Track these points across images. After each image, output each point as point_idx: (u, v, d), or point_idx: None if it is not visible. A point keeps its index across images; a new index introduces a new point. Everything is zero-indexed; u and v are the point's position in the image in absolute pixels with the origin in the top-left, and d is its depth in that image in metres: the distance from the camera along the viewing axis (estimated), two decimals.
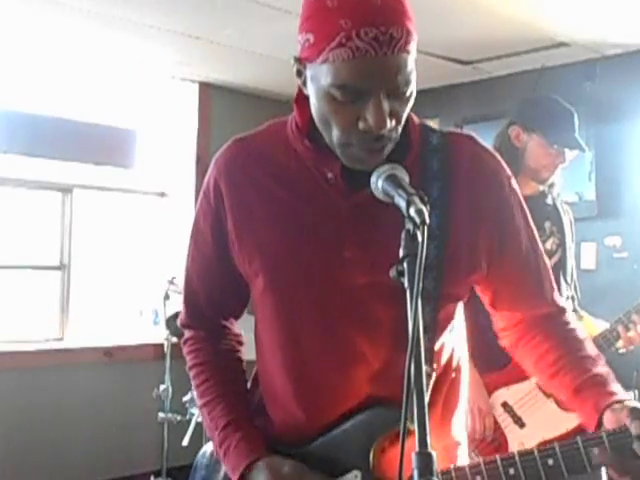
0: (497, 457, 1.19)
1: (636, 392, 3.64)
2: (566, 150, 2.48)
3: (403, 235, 1.06)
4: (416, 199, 1.07)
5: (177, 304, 3.91)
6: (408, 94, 1.19)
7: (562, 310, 1.45)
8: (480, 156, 1.38)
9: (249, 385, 1.46)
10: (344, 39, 1.08)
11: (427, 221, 1.05)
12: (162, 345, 3.91)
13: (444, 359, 1.34)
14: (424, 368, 1.00)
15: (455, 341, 1.39)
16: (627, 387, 3.64)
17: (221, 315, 1.48)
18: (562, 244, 2.55)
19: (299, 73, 1.22)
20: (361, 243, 1.27)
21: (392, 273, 1.05)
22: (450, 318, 1.35)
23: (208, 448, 1.48)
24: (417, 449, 0.95)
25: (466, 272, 1.31)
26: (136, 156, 4.81)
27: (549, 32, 3.81)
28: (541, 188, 2.52)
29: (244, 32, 3.91)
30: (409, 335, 0.99)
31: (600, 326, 2.58)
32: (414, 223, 1.04)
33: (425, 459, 0.94)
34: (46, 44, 4.25)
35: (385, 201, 1.14)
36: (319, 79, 1.15)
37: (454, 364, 1.39)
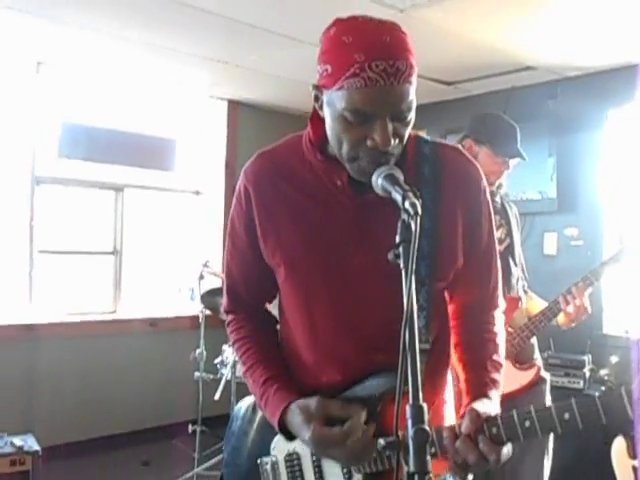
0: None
1: (590, 356, 3.61)
2: (509, 160, 2.48)
3: (399, 224, 1.06)
4: (410, 194, 1.08)
5: (210, 283, 3.96)
6: (409, 119, 1.19)
7: (496, 306, 1.45)
8: (465, 166, 1.37)
9: None
10: (358, 70, 1.09)
11: (419, 212, 1.04)
12: (197, 317, 3.91)
13: (437, 333, 1.33)
14: (417, 335, 1.01)
15: (445, 318, 1.39)
16: (582, 353, 3.62)
17: (258, 299, 1.47)
18: (509, 233, 2.54)
19: (316, 98, 1.23)
20: (364, 238, 1.27)
21: (390, 256, 1.06)
22: (442, 299, 1.37)
23: (244, 403, 1.49)
24: (410, 403, 0.96)
25: (453, 262, 1.32)
26: (175, 161, 4.82)
27: (518, 58, 3.77)
28: (491, 189, 2.51)
29: (265, 58, 3.89)
30: (404, 307, 1.00)
31: (544, 303, 2.57)
32: (408, 214, 1.04)
33: (417, 410, 0.95)
34: (104, 68, 4.23)
35: (384, 196, 1.14)
36: (334, 103, 1.15)
37: (444, 337, 1.38)
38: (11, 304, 4.14)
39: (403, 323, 0.99)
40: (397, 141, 1.18)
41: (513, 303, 2.45)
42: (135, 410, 4.40)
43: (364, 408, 1.24)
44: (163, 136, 4.76)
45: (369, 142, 1.15)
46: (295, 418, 1.24)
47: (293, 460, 1.34)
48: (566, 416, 1.14)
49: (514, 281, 2.51)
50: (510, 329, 2.41)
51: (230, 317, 1.47)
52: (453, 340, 1.42)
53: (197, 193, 5.12)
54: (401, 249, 1.03)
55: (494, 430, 1.13)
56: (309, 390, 1.31)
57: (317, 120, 1.27)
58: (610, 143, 3.95)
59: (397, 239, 1.04)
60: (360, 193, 1.25)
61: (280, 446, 1.35)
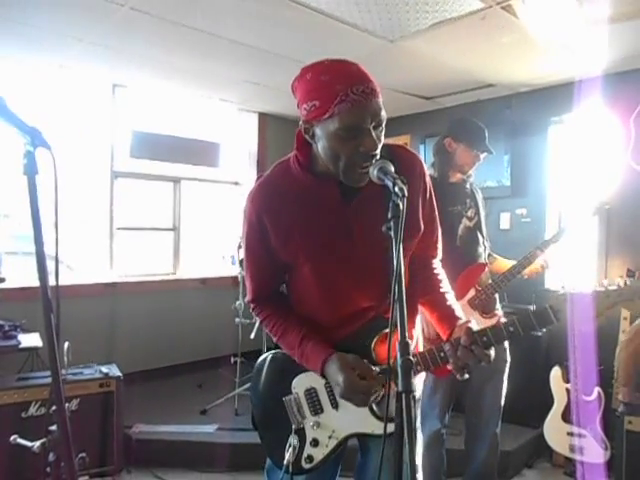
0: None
1: (534, 306, 3.60)
2: (480, 154, 2.46)
3: (390, 204, 1.05)
4: (399, 181, 1.07)
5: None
6: (383, 124, 1.21)
7: (435, 255, 1.49)
8: (410, 157, 1.39)
9: None
10: (343, 97, 1.11)
11: (406, 194, 1.03)
12: (237, 277, 3.92)
13: (407, 283, 1.36)
14: (404, 290, 1.01)
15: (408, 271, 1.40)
16: (528, 303, 3.60)
17: (272, 288, 1.46)
18: (477, 212, 2.52)
19: (306, 130, 1.23)
20: (359, 230, 1.29)
21: (383, 229, 1.05)
22: (407, 260, 1.39)
23: (260, 360, 1.48)
24: (399, 340, 0.97)
25: (418, 229, 1.37)
26: (220, 159, 4.78)
27: (482, 77, 3.70)
28: (464, 177, 2.49)
29: (287, 79, 3.82)
30: (394, 267, 1.00)
31: (508, 263, 2.55)
32: (397, 196, 1.04)
33: (404, 345, 0.97)
34: (164, 89, 4.21)
35: (378, 183, 1.14)
36: (328, 128, 1.15)
37: (412, 286, 1.39)
38: (97, 268, 4.18)
39: (393, 279, 0.99)
40: (379, 144, 1.20)
41: (481, 267, 2.44)
42: (191, 346, 4.45)
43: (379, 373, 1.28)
44: (210, 140, 4.72)
45: (362, 149, 1.15)
46: (333, 365, 1.26)
47: (312, 393, 1.36)
48: (511, 329, 1.24)
49: (481, 250, 2.50)
50: (478, 287, 2.40)
51: (253, 305, 1.46)
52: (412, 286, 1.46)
53: (236, 184, 5.10)
54: (392, 223, 1.03)
55: (485, 339, 1.22)
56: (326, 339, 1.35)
57: (303, 146, 1.28)
58: (552, 144, 3.88)
59: (389, 215, 1.04)
60: (348, 199, 1.27)
61: (299, 384, 1.36)
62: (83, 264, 4.17)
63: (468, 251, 2.42)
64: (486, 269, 2.46)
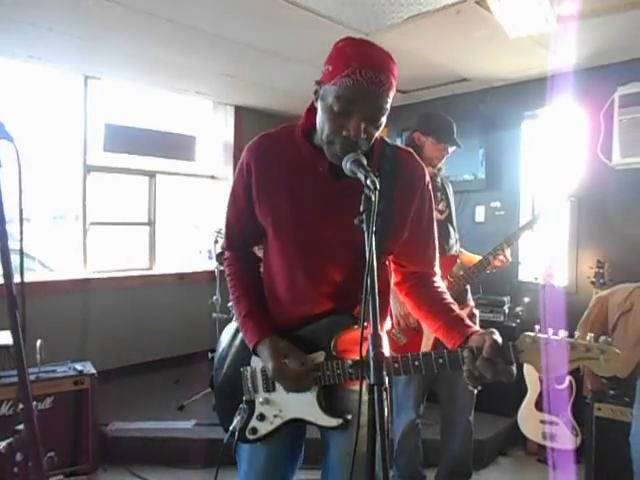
0: (410, 354, 1.19)
1: (508, 297, 3.66)
2: (448, 147, 2.48)
3: (363, 197, 1.05)
4: (371, 174, 1.07)
5: (222, 246, 3.94)
6: (379, 123, 1.19)
7: (434, 274, 1.43)
8: (414, 165, 1.36)
9: None
10: (350, 72, 1.12)
11: (378, 187, 1.03)
12: (213, 271, 3.91)
13: (380, 288, 1.34)
14: (376, 282, 1.00)
15: (385, 278, 1.38)
16: (503, 294, 3.66)
17: (247, 243, 1.47)
18: (448, 205, 2.54)
19: (315, 91, 1.22)
20: (335, 213, 1.26)
21: (356, 222, 1.05)
22: (385, 264, 1.37)
23: (232, 325, 1.50)
24: (371, 332, 0.96)
25: (399, 237, 1.32)
26: (196, 153, 4.72)
27: (457, 72, 3.73)
28: (434, 171, 2.51)
29: (263, 73, 3.81)
30: (366, 260, 1.00)
31: (474, 257, 2.58)
32: (369, 189, 1.03)
33: (376, 338, 0.96)
34: (138, 81, 4.14)
35: (351, 176, 1.13)
36: (327, 96, 1.17)
37: (385, 292, 1.37)
38: (71, 264, 4.10)
39: (365, 272, 0.99)
40: (365, 137, 1.17)
41: (452, 259, 2.47)
42: (168, 342, 4.40)
43: (309, 359, 1.28)
44: (185, 133, 4.66)
45: (344, 132, 1.15)
46: (265, 349, 1.29)
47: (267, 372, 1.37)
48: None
49: (452, 242, 2.52)
50: (450, 279, 2.42)
51: (227, 254, 1.48)
52: (413, 301, 1.41)
53: (212, 177, 5.05)
54: (364, 216, 1.03)
55: (507, 354, 1.12)
56: (283, 321, 1.34)
57: (311, 113, 1.26)
58: (526, 138, 3.93)
59: (361, 208, 1.04)
60: (336, 179, 1.23)
61: (258, 361, 1.37)
62: (56, 260, 4.08)
63: (440, 244, 2.44)
64: (458, 261, 2.49)
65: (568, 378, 3.01)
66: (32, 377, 2.66)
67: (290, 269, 1.32)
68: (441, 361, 1.16)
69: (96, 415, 2.85)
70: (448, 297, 1.36)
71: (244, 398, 1.38)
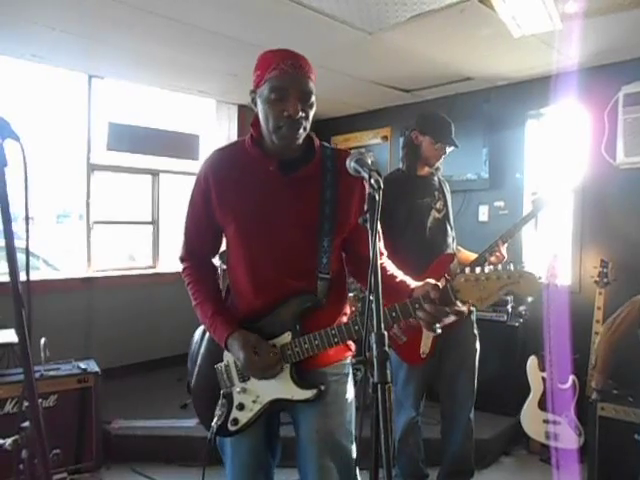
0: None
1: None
2: (446, 147, 2.48)
3: (366, 196, 1.06)
4: (374, 173, 1.07)
5: (225, 245, 3.94)
6: (311, 101, 1.35)
7: (382, 254, 1.52)
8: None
9: (224, 292, 1.56)
10: (275, 65, 1.32)
11: (382, 186, 1.04)
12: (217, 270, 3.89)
13: (336, 268, 1.46)
14: (379, 279, 1.01)
15: (340, 259, 1.52)
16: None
17: (205, 251, 1.55)
18: (446, 204, 2.55)
19: (252, 99, 1.40)
20: (289, 204, 1.39)
21: (360, 220, 1.07)
22: (339, 247, 1.48)
23: (198, 330, 1.61)
24: (375, 331, 0.97)
25: (347, 220, 1.42)
26: (199, 152, 4.72)
27: (461, 71, 3.72)
28: (431, 171, 2.52)
29: None
30: (370, 258, 1.00)
31: (472, 255, 2.59)
32: (373, 188, 1.04)
33: (380, 337, 0.98)
34: (141, 80, 4.15)
35: (355, 175, 1.16)
36: (263, 92, 1.33)
37: (341, 272, 1.52)
38: (74, 262, 4.12)
39: (369, 270, 0.99)
40: (304, 115, 1.32)
41: (450, 257, 2.47)
42: (170, 340, 4.37)
43: (277, 344, 1.39)
44: (189, 132, 4.67)
45: (285, 113, 1.30)
46: (235, 343, 1.38)
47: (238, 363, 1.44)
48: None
49: (450, 240, 2.53)
50: (448, 277, 2.42)
51: (185, 264, 1.55)
52: (361, 282, 1.59)
53: None
54: (368, 215, 1.04)
55: (449, 295, 1.27)
56: (248, 310, 1.45)
57: (255, 125, 1.42)
58: (529, 137, 3.92)
59: (365, 207, 1.05)
60: (286, 174, 1.38)
61: (230, 355, 1.45)
62: (60, 259, 4.10)
63: (437, 242, 2.45)
64: (455, 259, 2.49)
65: (571, 377, 3.01)
66: (36, 375, 2.67)
67: (252, 260, 1.42)
68: (394, 314, 1.29)
69: (100, 413, 2.87)
70: (392, 270, 1.48)
71: (222, 392, 1.45)
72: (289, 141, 1.34)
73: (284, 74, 1.30)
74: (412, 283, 1.40)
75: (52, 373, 2.78)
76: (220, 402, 1.43)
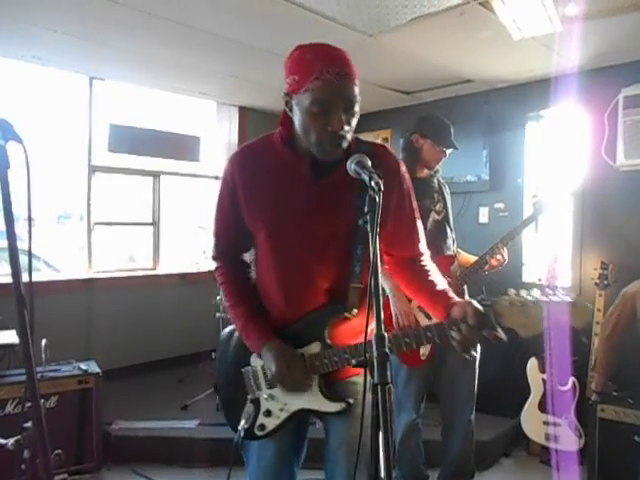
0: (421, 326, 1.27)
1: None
2: (446, 150, 2.48)
3: (367, 198, 1.06)
4: (375, 175, 1.08)
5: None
6: (355, 110, 1.25)
7: (422, 254, 1.46)
8: (389, 159, 1.39)
9: None
10: (318, 74, 1.18)
11: (382, 189, 1.04)
12: None
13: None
14: (380, 282, 1.02)
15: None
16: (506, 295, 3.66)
17: (236, 251, 1.51)
18: (445, 206, 2.55)
19: (287, 103, 1.28)
20: (320, 211, 1.31)
21: (360, 222, 1.07)
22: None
23: (226, 330, 1.56)
24: (375, 333, 0.98)
25: (384, 225, 1.31)
26: (200, 153, 4.74)
27: (461, 73, 3.73)
28: (431, 173, 2.52)
29: (267, 73, 3.82)
30: (370, 260, 1.01)
31: (471, 257, 2.60)
32: (374, 190, 1.04)
33: (380, 338, 0.98)
34: (142, 81, 4.16)
35: (355, 177, 1.15)
36: (303, 102, 1.21)
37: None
38: (75, 263, 4.12)
39: (370, 272, 1.00)
40: (348, 127, 1.23)
41: (449, 259, 2.48)
42: (172, 341, 4.42)
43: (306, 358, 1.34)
44: (190, 134, 4.68)
45: (329, 128, 1.20)
46: (268, 353, 1.34)
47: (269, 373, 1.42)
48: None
49: (450, 242, 2.54)
50: (448, 279, 2.43)
51: (217, 264, 1.51)
52: (403, 281, 1.47)
53: (216, 178, 5.06)
54: (368, 217, 1.04)
55: (490, 320, 1.17)
56: (277, 317, 1.40)
57: (286, 121, 1.32)
58: (529, 139, 3.93)
59: (365, 209, 1.05)
60: (318, 178, 1.29)
61: (258, 359, 1.42)
62: (61, 260, 4.10)
63: (437, 244, 2.46)
64: (455, 261, 2.50)
65: (571, 379, 3.01)
66: (37, 376, 2.67)
67: (282, 270, 1.36)
68: (429, 334, 1.23)
69: (100, 414, 2.87)
70: (433, 275, 1.42)
71: (249, 397, 1.42)
72: (331, 157, 1.26)
73: (329, 85, 1.18)
74: (452, 296, 1.31)
75: (53, 374, 2.78)
76: (247, 406, 1.41)
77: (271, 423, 1.39)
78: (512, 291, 1.19)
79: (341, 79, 1.19)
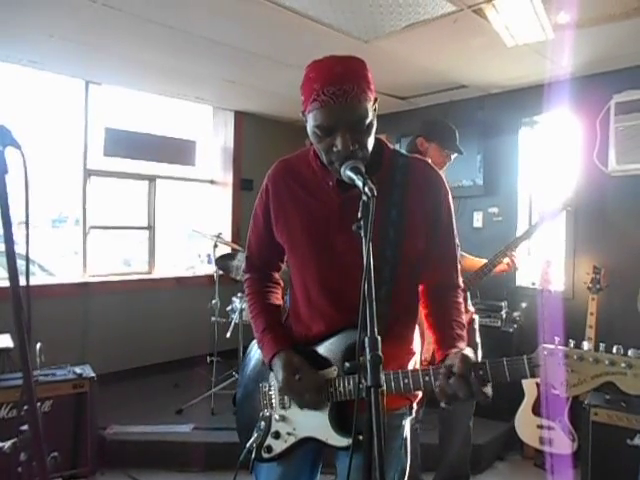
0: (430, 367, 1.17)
1: (506, 302, 3.67)
2: (451, 154, 2.51)
3: (360, 204, 1.06)
4: (368, 181, 1.07)
5: (221, 250, 3.95)
6: (365, 126, 1.17)
7: (455, 285, 1.38)
8: (429, 174, 1.34)
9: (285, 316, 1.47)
10: (315, 96, 1.14)
11: (375, 194, 1.04)
12: (212, 275, 3.92)
13: (405, 302, 1.32)
14: (373, 285, 1.01)
15: (411, 294, 1.35)
16: (500, 300, 3.69)
17: (267, 265, 1.50)
18: None
19: (305, 121, 1.23)
20: (346, 225, 1.20)
21: (354, 228, 1.06)
22: (407, 276, 1.30)
23: (254, 341, 1.51)
24: (368, 335, 0.98)
25: (414, 246, 1.28)
26: (195, 157, 4.75)
27: (455, 78, 3.76)
28: None
29: (262, 78, 3.85)
30: (364, 264, 1.01)
31: (478, 261, 2.62)
32: (367, 196, 1.04)
33: (373, 341, 0.98)
34: (138, 86, 4.17)
35: (349, 182, 1.14)
36: (309, 123, 1.19)
37: (411, 306, 1.36)
38: (70, 267, 4.12)
39: (363, 277, 1.00)
40: (357, 146, 1.16)
41: None
42: (167, 345, 4.41)
43: (321, 375, 1.27)
44: (185, 138, 4.69)
45: (334, 149, 1.16)
46: (278, 361, 1.30)
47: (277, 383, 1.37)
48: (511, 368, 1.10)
49: None
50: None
51: (246, 276, 1.51)
52: (425, 310, 1.37)
53: (212, 182, 5.08)
54: (362, 223, 1.04)
55: (481, 372, 1.09)
56: (302, 336, 1.35)
57: None
58: (523, 144, 3.97)
59: (359, 215, 1.05)
60: (345, 191, 1.24)
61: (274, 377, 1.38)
62: (56, 264, 4.10)
63: None
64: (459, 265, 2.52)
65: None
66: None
67: (306, 285, 1.33)
68: (427, 378, 1.15)
69: (95, 418, 2.86)
70: (456, 314, 1.32)
71: (261, 414, 1.38)
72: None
73: (325, 107, 1.13)
74: (454, 346, 1.22)
75: (47, 378, 2.77)
76: (258, 424, 1.36)
77: (278, 446, 1.34)
78: (557, 340, 1.05)
79: (338, 99, 1.12)
